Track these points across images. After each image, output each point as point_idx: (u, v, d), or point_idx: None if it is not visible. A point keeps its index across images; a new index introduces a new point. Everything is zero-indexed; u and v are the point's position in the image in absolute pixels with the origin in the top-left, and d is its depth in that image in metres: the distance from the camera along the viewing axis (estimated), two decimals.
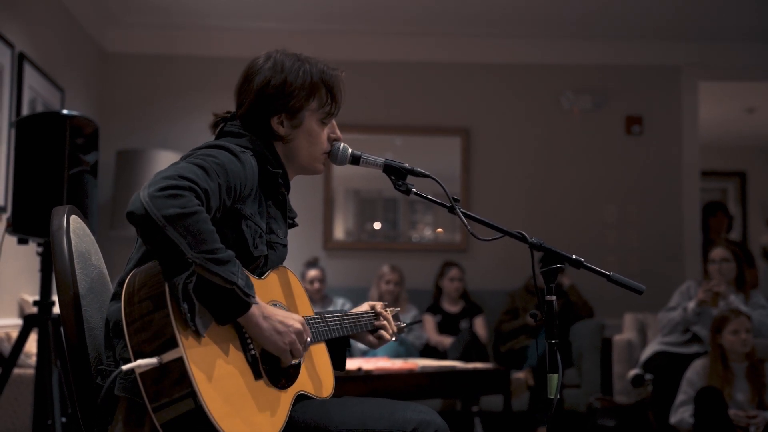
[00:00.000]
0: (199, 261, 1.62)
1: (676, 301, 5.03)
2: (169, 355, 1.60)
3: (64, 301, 1.83)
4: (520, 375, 5.41)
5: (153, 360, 1.60)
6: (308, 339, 1.86)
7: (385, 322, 2.21)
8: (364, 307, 2.24)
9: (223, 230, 1.80)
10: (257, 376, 1.78)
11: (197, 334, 1.65)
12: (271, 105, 1.97)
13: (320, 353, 2.09)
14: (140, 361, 1.60)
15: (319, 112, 2.02)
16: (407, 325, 2.45)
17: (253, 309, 1.73)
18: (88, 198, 3.51)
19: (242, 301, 1.69)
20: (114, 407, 1.75)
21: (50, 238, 1.89)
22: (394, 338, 2.26)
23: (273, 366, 1.84)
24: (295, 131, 2.00)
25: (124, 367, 1.61)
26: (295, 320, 1.82)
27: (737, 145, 10.11)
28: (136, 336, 1.63)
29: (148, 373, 1.61)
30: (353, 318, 2.16)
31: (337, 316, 2.12)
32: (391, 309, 2.31)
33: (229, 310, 1.70)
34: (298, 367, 1.93)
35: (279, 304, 1.95)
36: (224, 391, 1.67)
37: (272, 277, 1.96)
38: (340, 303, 5.81)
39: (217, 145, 1.84)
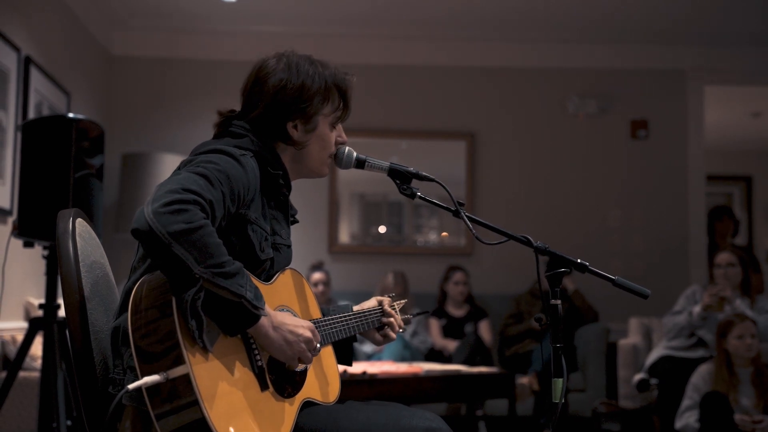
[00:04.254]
0: (206, 276, 1.60)
1: (681, 306, 5.02)
2: (175, 372, 1.59)
3: (70, 304, 1.83)
4: (524, 380, 5.39)
5: (159, 377, 1.59)
6: (317, 345, 1.85)
7: (391, 319, 2.22)
8: (372, 302, 2.25)
9: (229, 237, 1.79)
10: (263, 387, 1.78)
11: (204, 350, 1.64)
12: (287, 109, 1.95)
13: (327, 356, 2.09)
14: (146, 379, 1.59)
15: (331, 116, 2.02)
16: (415, 315, 2.46)
17: (263, 320, 1.72)
18: (93, 201, 3.52)
19: (251, 313, 1.68)
20: (121, 414, 1.75)
21: (56, 241, 1.88)
22: (401, 330, 2.27)
23: (279, 375, 1.84)
24: (308, 135, 1.99)
25: (130, 386, 1.60)
26: (304, 328, 1.81)
27: (743, 150, 10.10)
28: (142, 348, 1.62)
29: (154, 388, 1.60)
30: (360, 316, 2.16)
31: (344, 317, 2.12)
32: (399, 302, 2.31)
33: (237, 323, 1.69)
34: (304, 373, 1.93)
35: (287, 308, 1.94)
36: (230, 405, 1.66)
37: (280, 281, 1.95)
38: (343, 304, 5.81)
39: (217, 149, 1.82)
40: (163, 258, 1.59)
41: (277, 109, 1.95)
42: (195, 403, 1.58)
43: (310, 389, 1.94)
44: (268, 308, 1.75)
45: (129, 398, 1.68)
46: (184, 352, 1.60)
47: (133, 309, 1.65)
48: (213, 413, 1.60)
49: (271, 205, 1.95)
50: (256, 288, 1.71)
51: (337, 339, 2.07)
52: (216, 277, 1.61)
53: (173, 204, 1.60)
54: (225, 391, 1.66)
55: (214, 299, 1.64)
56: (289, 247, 2.01)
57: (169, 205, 1.59)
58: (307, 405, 1.92)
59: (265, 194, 1.92)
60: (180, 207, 1.60)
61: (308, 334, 1.81)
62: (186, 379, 1.59)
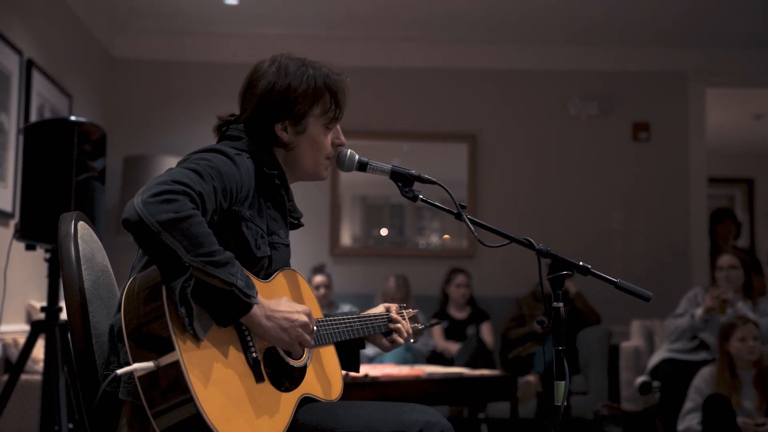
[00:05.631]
0: (196, 264, 1.61)
1: (683, 308, 5.01)
2: (166, 359, 1.60)
3: (72, 306, 1.84)
4: (530, 378, 5.39)
5: (149, 363, 1.60)
6: (314, 329, 1.85)
7: (398, 325, 2.20)
8: (380, 309, 2.24)
9: (224, 234, 1.79)
10: (259, 378, 1.77)
11: (196, 338, 1.65)
12: (274, 111, 1.96)
13: (329, 355, 2.08)
14: (136, 365, 1.60)
15: (323, 117, 2.01)
16: (425, 327, 2.45)
17: (255, 309, 1.72)
18: (95, 204, 3.52)
19: (242, 302, 1.69)
20: (119, 411, 1.75)
21: (58, 244, 1.89)
22: (411, 340, 2.26)
23: (276, 369, 1.84)
24: (298, 138, 1.99)
25: (120, 371, 1.61)
26: (299, 313, 1.81)
27: (744, 152, 10.09)
28: (134, 339, 1.64)
29: (146, 378, 1.61)
30: (364, 320, 2.15)
31: (347, 319, 2.11)
32: (408, 311, 2.30)
33: (229, 312, 1.69)
34: (303, 369, 1.92)
35: None
36: (223, 394, 1.66)
37: (279, 280, 1.95)
38: (346, 309, 5.80)
39: (212, 149, 1.84)
40: (152, 247, 1.61)
41: (264, 111, 1.96)
42: (187, 391, 1.59)
43: (310, 386, 1.93)
44: (260, 297, 1.75)
45: (126, 393, 1.69)
46: (174, 339, 1.61)
47: (126, 304, 1.67)
48: (205, 400, 1.60)
49: (269, 205, 1.95)
50: (247, 277, 1.71)
51: (339, 339, 2.07)
52: (206, 266, 1.62)
53: (162, 194, 1.61)
54: (218, 379, 1.66)
55: (206, 289, 1.65)
56: (288, 246, 2.01)
57: (158, 195, 1.61)
58: (307, 401, 1.92)
59: (261, 194, 1.92)
60: (169, 197, 1.62)
61: (304, 318, 1.81)
62: (176, 366, 1.59)
